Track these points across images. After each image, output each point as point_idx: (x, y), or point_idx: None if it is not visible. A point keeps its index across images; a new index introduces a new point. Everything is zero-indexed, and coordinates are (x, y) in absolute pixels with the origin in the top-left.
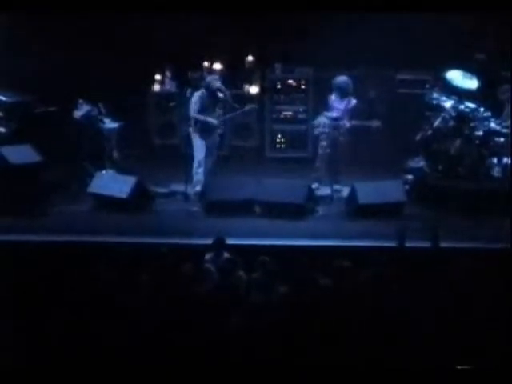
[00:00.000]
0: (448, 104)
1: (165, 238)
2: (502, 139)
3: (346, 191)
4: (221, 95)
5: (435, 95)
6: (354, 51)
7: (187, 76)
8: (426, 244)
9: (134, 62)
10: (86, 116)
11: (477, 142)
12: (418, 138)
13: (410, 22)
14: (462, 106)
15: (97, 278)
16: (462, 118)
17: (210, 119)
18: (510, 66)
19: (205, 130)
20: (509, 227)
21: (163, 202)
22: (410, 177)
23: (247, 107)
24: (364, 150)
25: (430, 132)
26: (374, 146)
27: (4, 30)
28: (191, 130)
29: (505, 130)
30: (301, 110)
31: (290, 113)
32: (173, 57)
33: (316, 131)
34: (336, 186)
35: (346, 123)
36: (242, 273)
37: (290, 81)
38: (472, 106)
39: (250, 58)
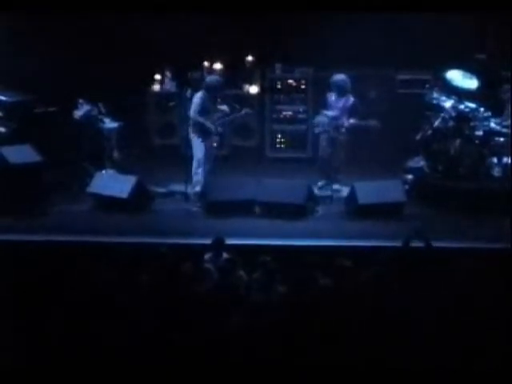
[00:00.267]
0: (448, 104)
1: (164, 238)
2: (502, 139)
3: (345, 191)
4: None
5: (435, 95)
6: (354, 51)
7: (187, 76)
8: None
9: (134, 62)
10: (86, 116)
11: (477, 141)
12: (417, 137)
13: (410, 21)
14: (461, 106)
15: (97, 278)
16: (461, 117)
17: (207, 123)
18: (510, 66)
19: (203, 131)
20: (509, 227)
21: (163, 201)
22: (409, 177)
23: (243, 111)
24: (364, 150)
25: (429, 132)
26: (374, 145)
27: (4, 29)
28: (190, 130)
29: (505, 130)
30: (301, 109)
31: (290, 113)
32: (173, 57)
33: (316, 130)
34: (336, 186)
35: (345, 122)
36: (242, 273)
37: (290, 81)
38: (472, 105)
39: (250, 57)
